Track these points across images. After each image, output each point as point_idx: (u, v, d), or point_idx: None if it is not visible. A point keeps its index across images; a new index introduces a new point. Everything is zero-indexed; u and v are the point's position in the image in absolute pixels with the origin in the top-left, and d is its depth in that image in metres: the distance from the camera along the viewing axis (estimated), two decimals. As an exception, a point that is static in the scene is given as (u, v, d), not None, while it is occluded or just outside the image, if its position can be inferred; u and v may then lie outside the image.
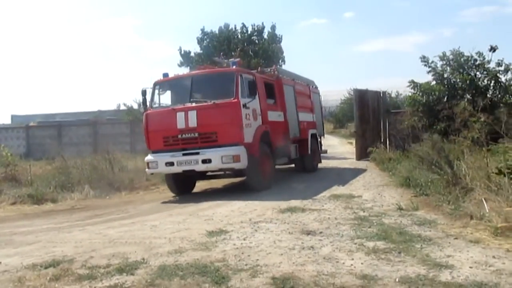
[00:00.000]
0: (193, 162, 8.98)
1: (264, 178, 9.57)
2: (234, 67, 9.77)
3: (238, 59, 10.87)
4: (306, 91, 13.91)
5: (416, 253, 4.36)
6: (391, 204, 7.14)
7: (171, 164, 9.17)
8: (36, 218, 8.34)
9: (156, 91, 10.00)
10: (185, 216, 7.05)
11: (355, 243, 4.82)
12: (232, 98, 9.06)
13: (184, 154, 9.11)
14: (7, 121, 50.29)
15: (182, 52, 21.23)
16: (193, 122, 9.06)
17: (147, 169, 9.68)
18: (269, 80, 11.07)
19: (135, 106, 25.25)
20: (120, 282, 3.95)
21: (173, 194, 10.05)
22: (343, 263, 4.17)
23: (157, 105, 10.00)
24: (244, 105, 9.12)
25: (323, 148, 15.00)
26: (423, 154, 8.74)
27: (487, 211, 5.68)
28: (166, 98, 10.24)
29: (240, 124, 8.95)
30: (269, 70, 11.97)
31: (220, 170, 9.47)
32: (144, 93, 9.96)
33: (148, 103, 9.94)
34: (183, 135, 9.18)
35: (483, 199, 6.03)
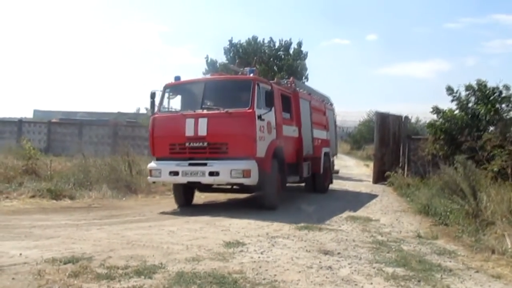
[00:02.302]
0: (200, 174, 8.40)
1: (275, 196, 8.95)
2: (251, 75, 9.23)
3: (254, 68, 10.32)
4: (321, 107, 13.43)
5: (436, 283, 4.30)
6: (409, 230, 7.06)
7: (176, 173, 8.57)
8: (54, 213, 8.43)
9: (166, 95, 9.44)
10: (202, 225, 7.06)
11: (374, 267, 4.77)
12: (247, 108, 8.50)
13: (190, 164, 8.52)
14: (29, 115, 51.46)
15: (209, 61, 21.48)
16: (203, 130, 8.50)
17: (149, 177, 9.12)
18: (286, 92, 10.55)
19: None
20: (138, 285, 3.98)
21: (176, 205, 9.44)
22: (362, 286, 4.13)
23: (166, 109, 9.47)
24: (259, 117, 8.53)
25: (335, 168, 14.50)
26: (449, 178, 8.57)
27: (509, 246, 5.58)
28: (176, 103, 9.75)
29: (254, 137, 8.35)
30: (285, 82, 11.47)
31: (228, 184, 8.89)
32: (153, 95, 9.27)
33: (156, 107, 9.31)
34: (191, 144, 8.61)
35: (505, 233, 5.93)
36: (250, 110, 8.48)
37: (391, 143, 15.89)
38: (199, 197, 10.20)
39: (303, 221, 7.36)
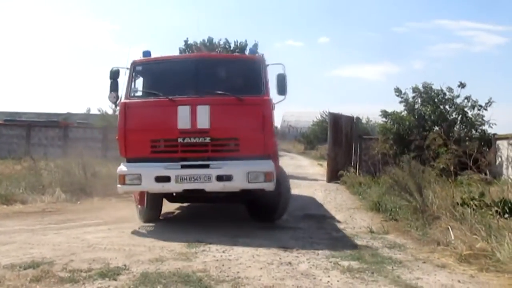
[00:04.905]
0: (204, 179, 6.45)
1: (284, 206, 7.40)
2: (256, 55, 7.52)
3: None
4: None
5: (388, 274, 4.62)
6: (362, 226, 7.43)
7: (166, 179, 6.47)
8: (6, 218, 8.15)
9: (134, 74, 7.22)
10: (162, 227, 7.10)
11: (331, 262, 5.04)
12: (261, 94, 6.89)
13: (184, 167, 6.56)
14: (-31, 116, 48.64)
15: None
16: (204, 122, 6.60)
17: (119, 185, 6.74)
18: None
19: (110, 112, 24.85)
20: (103, 287, 4.02)
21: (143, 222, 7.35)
22: (320, 279, 4.38)
23: (139, 93, 7.29)
24: (273, 106, 7.08)
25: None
26: (397, 177, 9.04)
27: (453, 238, 6.03)
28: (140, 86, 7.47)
29: (272, 130, 6.86)
30: None
31: (242, 191, 6.81)
32: (115, 74, 7.14)
33: (126, 90, 7.05)
34: (186, 139, 6.63)
35: (449, 227, 6.40)
36: (267, 97, 6.93)
37: (343, 143, 16.43)
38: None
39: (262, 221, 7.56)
